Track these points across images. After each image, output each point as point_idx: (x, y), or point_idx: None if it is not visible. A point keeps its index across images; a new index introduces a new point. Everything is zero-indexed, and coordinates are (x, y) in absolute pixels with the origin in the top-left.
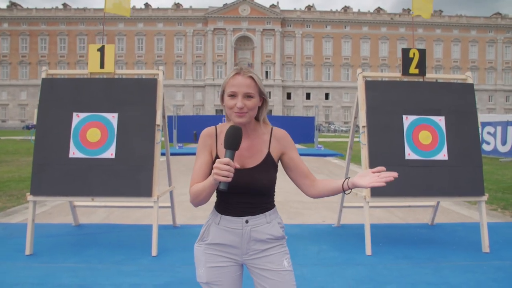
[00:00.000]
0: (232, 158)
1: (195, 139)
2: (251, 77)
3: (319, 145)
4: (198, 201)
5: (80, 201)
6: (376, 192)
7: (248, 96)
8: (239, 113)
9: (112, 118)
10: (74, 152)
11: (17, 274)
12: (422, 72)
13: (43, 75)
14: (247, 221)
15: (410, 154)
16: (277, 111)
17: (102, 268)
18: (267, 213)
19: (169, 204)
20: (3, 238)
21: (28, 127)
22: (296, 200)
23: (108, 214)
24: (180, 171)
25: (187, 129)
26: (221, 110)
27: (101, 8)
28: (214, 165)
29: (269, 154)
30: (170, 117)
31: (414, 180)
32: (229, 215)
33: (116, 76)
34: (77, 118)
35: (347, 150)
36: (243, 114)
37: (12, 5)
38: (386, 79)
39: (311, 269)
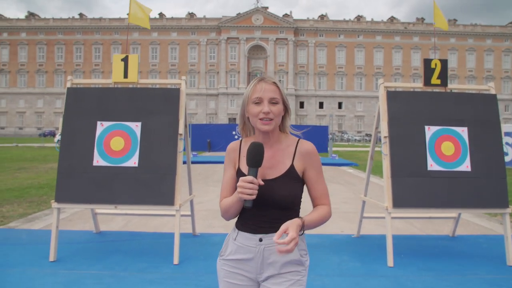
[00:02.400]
0: (255, 176)
1: (209, 147)
2: (275, 84)
3: (333, 155)
4: (228, 215)
5: (103, 209)
6: (398, 203)
7: (273, 102)
8: (265, 120)
9: (136, 127)
10: (98, 161)
11: (43, 281)
12: (444, 83)
13: (68, 85)
14: (261, 239)
15: (432, 165)
16: (291, 120)
17: (126, 275)
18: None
19: (189, 213)
20: (27, 244)
21: (44, 135)
22: None
23: (126, 222)
24: (195, 180)
25: (201, 137)
26: (234, 119)
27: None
28: (238, 184)
29: (292, 166)
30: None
31: (436, 191)
32: (245, 231)
33: (139, 86)
34: (101, 127)
35: (368, 160)
36: (269, 122)
37: (30, 15)
38: (402, 88)
39: (333, 279)
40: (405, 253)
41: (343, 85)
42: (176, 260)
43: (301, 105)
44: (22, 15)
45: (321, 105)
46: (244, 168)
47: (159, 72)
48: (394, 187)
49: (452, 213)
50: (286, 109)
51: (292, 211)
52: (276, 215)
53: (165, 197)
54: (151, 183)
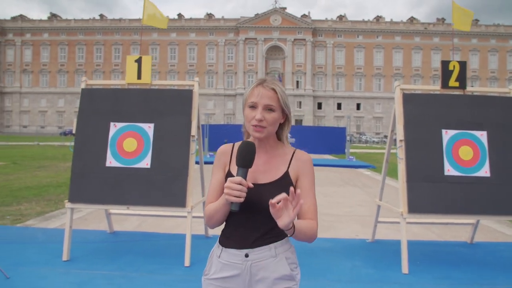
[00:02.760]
0: (244, 177)
1: None
2: (274, 90)
3: (350, 156)
4: (212, 222)
5: (116, 210)
6: (414, 208)
7: (269, 109)
8: (257, 127)
9: (148, 128)
10: (111, 161)
11: (55, 280)
12: (463, 86)
13: (83, 86)
14: (247, 255)
15: (449, 170)
16: (308, 121)
17: (137, 276)
18: (272, 245)
19: (201, 214)
20: (42, 243)
21: (65, 133)
22: (329, 213)
23: (140, 222)
24: (209, 181)
25: (218, 137)
26: None
27: (136, 18)
28: (225, 184)
29: (287, 173)
30: (201, 126)
31: (453, 197)
32: (230, 247)
33: (152, 87)
34: (114, 127)
35: (383, 163)
36: (261, 129)
37: (53, 16)
38: (421, 91)
39: (345, 286)
40: (421, 259)
41: (362, 86)
42: (187, 262)
43: (319, 106)
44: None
45: (339, 106)
46: (235, 171)
47: (178, 72)
48: (410, 192)
49: (470, 219)
50: (286, 117)
51: None
52: (265, 223)
53: (177, 198)
54: (163, 184)
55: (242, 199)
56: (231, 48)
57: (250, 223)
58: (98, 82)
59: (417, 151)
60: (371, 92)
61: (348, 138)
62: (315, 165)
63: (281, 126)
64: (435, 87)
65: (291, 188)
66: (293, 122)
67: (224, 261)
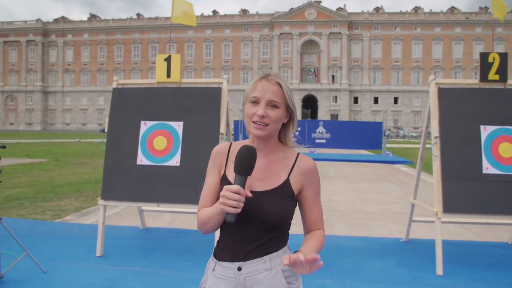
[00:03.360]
0: (243, 185)
1: None
2: (279, 84)
3: (387, 152)
4: (205, 229)
5: (147, 207)
6: (449, 207)
7: (272, 105)
8: (259, 124)
9: (178, 126)
10: (141, 160)
11: (88, 275)
12: (503, 79)
13: (114, 85)
14: (239, 268)
15: (488, 168)
16: (344, 116)
17: (167, 274)
18: (267, 256)
19: None
20: (78, 238)
21: (104, 131)
22: (362, 210)
23: (174, 219)
24: None
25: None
26: None
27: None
28: (221, 193)
29: (287, 181)
30: (236, 122)
31: (492, 196)
32: (223, 260)
33: (181, 85)
34: (144, 126)
35: (418, 160)
36: (263, 127)
37: (92, 17)
38: (458, 85)
39: (375, 287)
40: (457, 260)
41: (399, 79)
42: None
43: (355, 100)
44: (84, 17)
45: (376, 100)
46: (231, 176)
47: (213, 69)
48: (445, 191)
49: (510, 219)
50: (290, 116)
51: (281, 231)
52: (262, 235)
53: None
54: (192, 182)
55: (239, 210)
56: (266, 43)
57: (245, 233)
58: (129, 81)
59: (453, 148)
60: (409, 86)
61: (386, 133)
62: (350, 160)
63: (284, 127)
64: (473, 81)
65: (300, 257)
66: (328, 117)
67: (219, 274)
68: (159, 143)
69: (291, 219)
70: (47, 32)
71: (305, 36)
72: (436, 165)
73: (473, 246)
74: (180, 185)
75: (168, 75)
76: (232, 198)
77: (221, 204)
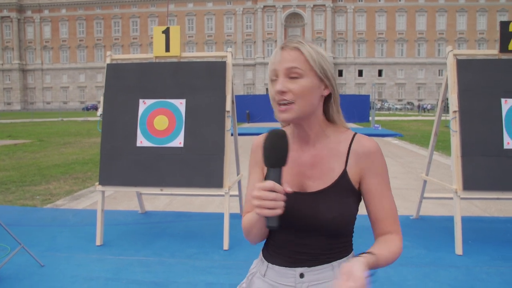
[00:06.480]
0: (278, 180)
1: (248, 118)
2: (298, 49)
3: (376, 125)
4: (251, 239)
5: (149, 191)
6: (469, 185)
7: (292, 76)
8: (281, 103)
9: (180, 104)
10: (141, 141)
11: (90, 268)
12: None
13: (108, 61)
14: (302, 275)
15: (510, 143)
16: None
17: (174, 262)
18: (335, 263)
19: (236, 193)
20: (74, 226)
21: (87, 108)
22: None
23: (170, 200)
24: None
25: (239, 109)
26: None
27: None
28: (253, 194)
29: (345, 173)
30: None
31: None
32: (278, 264)
33: (182, 60)
34: (143, 104)
35: (432, 136)
36: (287, 107)
37: None
38: (478, 56)
39: (397, 270)
40: (473, 238)
41: (383, 52)
42: (226, 246)
43: (340, 73)
44: None
45: (360, 73)
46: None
47: (196, 43)
48: (465, 167)
49: None
50: (330, 87)
51: (344, 238)
52: (322, 244)
53: (214, 179)
54: (199, 164)
55: (279, 211)
56: (249, 17)
57: (300, 240)
58: (124, 56)
59: (473, 123)
60: (393, 58)
61: (378, 105)
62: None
63: (326, 102)
64: (492, 51)
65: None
66: None
67: (271, 281)
68: (160, 122)
69: (355, 219)
70: (22, 8)
71: (289, 8)
72: (455, 141)
73: (490, 223)
74: (185, 167)
75: (167, 49)
76: (267, 198)
77: (255, 207)
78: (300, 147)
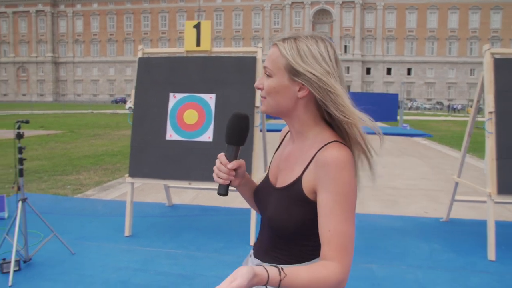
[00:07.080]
0: (230, 155)
1: None
2: (275, 45)
3: (404, 124)
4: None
5: (177, 184)
6: (505, 189)
7: (266, 73)
8: (262, 97)
9: (210, 99)
10: (171, 135)
11: (118, 257)
12: None
13: (139, 54)
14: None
15: None
16: (356, 87)
17: (202, 256)
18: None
19: None
20: (103, 216)
21: (116, 101)
22: (391, 186)
23: (197, 194)
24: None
25: None
26: None
27: None
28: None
29: (298, 180)
30: None
31: None
32: (254, 254)
33: (213, 55)
34: (173, 99)
35: (465, 137)
36: (262, 101)
37: None
38: None
39: (427, 273)
40: (506, 244)
41: (413, 50)
42: (252, 241)
43: (368, 71)
44: None
45: (388, 71)
46: None
47: (224, 39)
48: (500, 171)
49: None
50: (314, 89)
51: (292, 244)
52: (270, 239)
53: None
54: None
55: (222, 181)
56: (277, 12)
57: (263, 229)
58: (156, 50)
59: (510, 125)
60: (423, 56)
61: (409, 105)
62: (367, 133)
63: (308, 102)
64: None
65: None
66: None
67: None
68: (190, 116)
69: (310, 230)
70: (56, 2)
71: (317, 5)
72: (490, 143)
73: None
74: (212, 162)
75: (198, 44)
76: (218, 169)
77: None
78: (288, 142)
